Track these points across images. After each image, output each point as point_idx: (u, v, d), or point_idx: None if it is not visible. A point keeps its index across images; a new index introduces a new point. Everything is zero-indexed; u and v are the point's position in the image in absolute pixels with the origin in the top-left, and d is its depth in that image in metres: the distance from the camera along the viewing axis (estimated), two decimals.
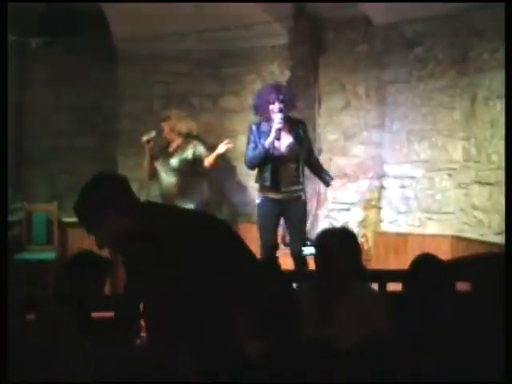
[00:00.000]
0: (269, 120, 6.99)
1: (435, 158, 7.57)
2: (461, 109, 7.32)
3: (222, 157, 8.21)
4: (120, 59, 8.94)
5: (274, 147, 6.91)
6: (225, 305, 3.18)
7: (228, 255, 3.39)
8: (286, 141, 7.00)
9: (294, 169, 7.04)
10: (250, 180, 8.46)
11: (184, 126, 8.16)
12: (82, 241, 8.18)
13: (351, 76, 8.32)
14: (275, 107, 6.92)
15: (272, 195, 7.05)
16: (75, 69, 8.92)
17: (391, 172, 7.95)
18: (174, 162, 8.06)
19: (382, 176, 8.08)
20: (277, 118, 6.86)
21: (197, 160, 8.05)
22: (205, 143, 8.21)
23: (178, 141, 8.15)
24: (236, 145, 8.24)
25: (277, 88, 7.12)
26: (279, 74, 8.49)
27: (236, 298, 3.12)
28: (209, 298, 3.23)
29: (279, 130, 6.86)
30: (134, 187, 3.66)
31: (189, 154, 8.08)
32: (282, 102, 6.92)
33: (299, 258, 7.04)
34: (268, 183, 7.00)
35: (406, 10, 7.38)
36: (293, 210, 7.07)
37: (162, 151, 8.16)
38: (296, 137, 7.02)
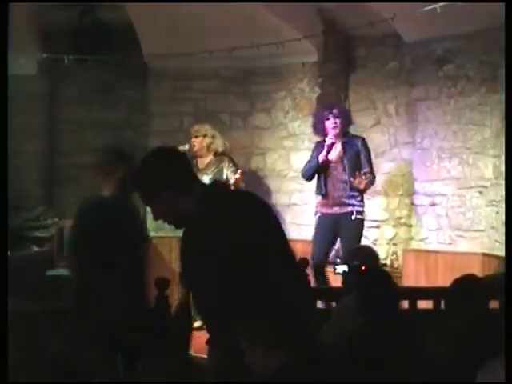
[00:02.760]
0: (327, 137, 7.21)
1: (466, 175, 7.54)
2: (491, 126, 7.30)
3: (254, 174, 8.20)
4: (150, 76, 9.00)
5: (327, 160, 7.10)
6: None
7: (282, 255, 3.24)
8: (338, 154, 7.10)
9: (345, 182, 7.08)
10: (280, 197, 8.49)
11: (220, 143, 7.98)
12: None
13: (381, 93, 8.32)
14: (330, 123, 7.10)
15: (324, 209, 7.20)
16: (106, 85, 8.99)
17: (421, 189, 7.92)
18: (206, 179, 7.93)
19: (412, 193, 8.06)
20: (330, 134, 7.09)
21: (227, 179, 7.96)
22: (233, 162, 8.05)
23: (209, 158, 7.98)
24: (266, 162, 8.26)
25: (330, 105, 7.40)
26: (309, 91, 8.51)
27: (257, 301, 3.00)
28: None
29: (331, 144, 7.09)
30: None
31: (223, 172, 7.87)
32: (336, 117, 7.11)
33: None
34: (320, 192, 7.21)
35: (437, 27, 7.37)
36: (345, 227, 7.11)
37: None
38: (349, 151, 7.09)
